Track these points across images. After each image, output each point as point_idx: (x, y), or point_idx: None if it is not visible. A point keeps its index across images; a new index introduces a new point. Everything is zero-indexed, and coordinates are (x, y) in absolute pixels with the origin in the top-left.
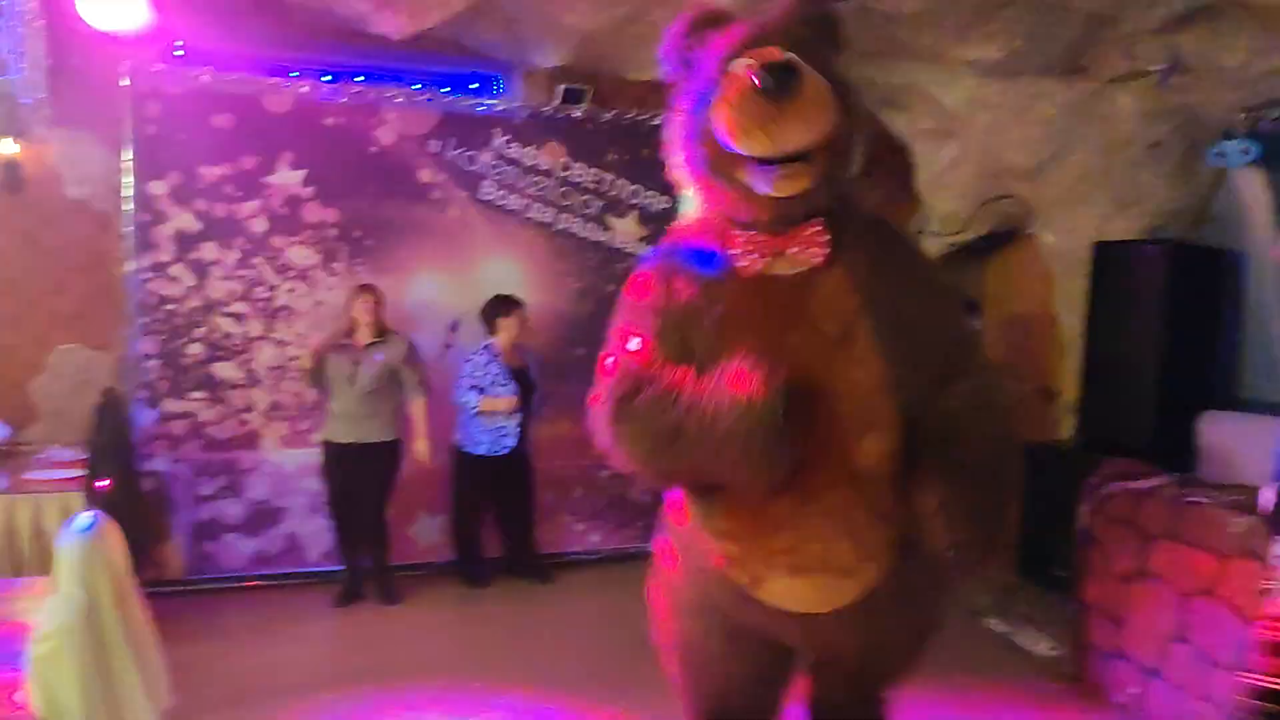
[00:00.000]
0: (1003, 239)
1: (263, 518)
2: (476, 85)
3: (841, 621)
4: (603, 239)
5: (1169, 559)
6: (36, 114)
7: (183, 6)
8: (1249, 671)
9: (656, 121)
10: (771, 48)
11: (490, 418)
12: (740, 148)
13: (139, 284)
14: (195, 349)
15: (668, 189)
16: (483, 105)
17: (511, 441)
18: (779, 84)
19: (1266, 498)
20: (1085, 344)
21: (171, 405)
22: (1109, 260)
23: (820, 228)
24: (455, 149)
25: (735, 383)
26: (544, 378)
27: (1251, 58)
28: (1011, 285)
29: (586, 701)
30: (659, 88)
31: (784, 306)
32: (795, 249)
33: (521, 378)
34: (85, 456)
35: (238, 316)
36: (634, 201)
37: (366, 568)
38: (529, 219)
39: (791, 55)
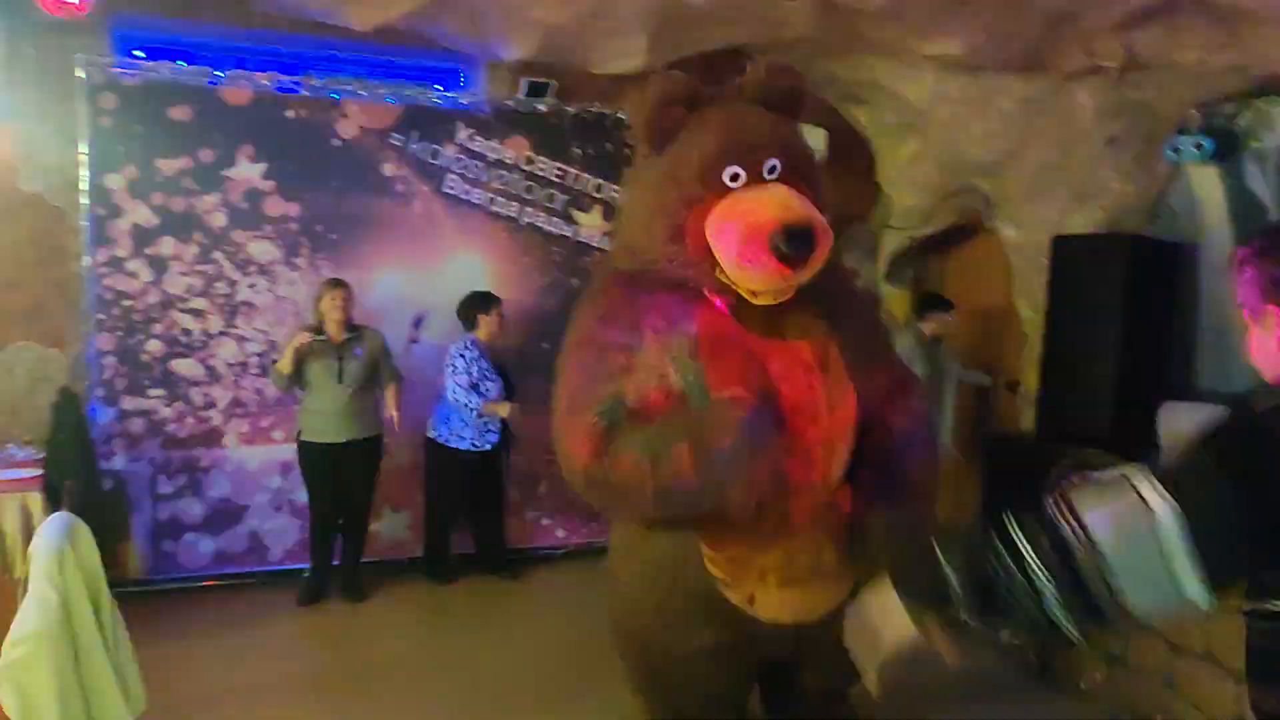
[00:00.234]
0: (963, 233)
1: (224, 516)
2: (440, 79)
3: (827, 626)
4: (568, 233)
5: None
6: None
7: None
8: None
9: (621, 115)
10: (772, 160)
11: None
12: (737, 278)
13: (95, 279)
14: (154, 345)
15: None
16: (446, 99)
17: (495, 437)
18: (797, 254)
19: None
20: (1045, 336)
21: (130, 403)
22: (1068, 254)
23: None
24: (418, 143)
25: (731, 411)
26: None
27: (1206, 55)
28: (972, 279)
29: (557, 697)
30: (624, 82)
31: (763, 331)
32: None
33: (503, 373)
34: (43, 456)
35: (197, 312)
36: (599, 195)
37: (333, 566)
38: (493, 213)
39: (811, 220)
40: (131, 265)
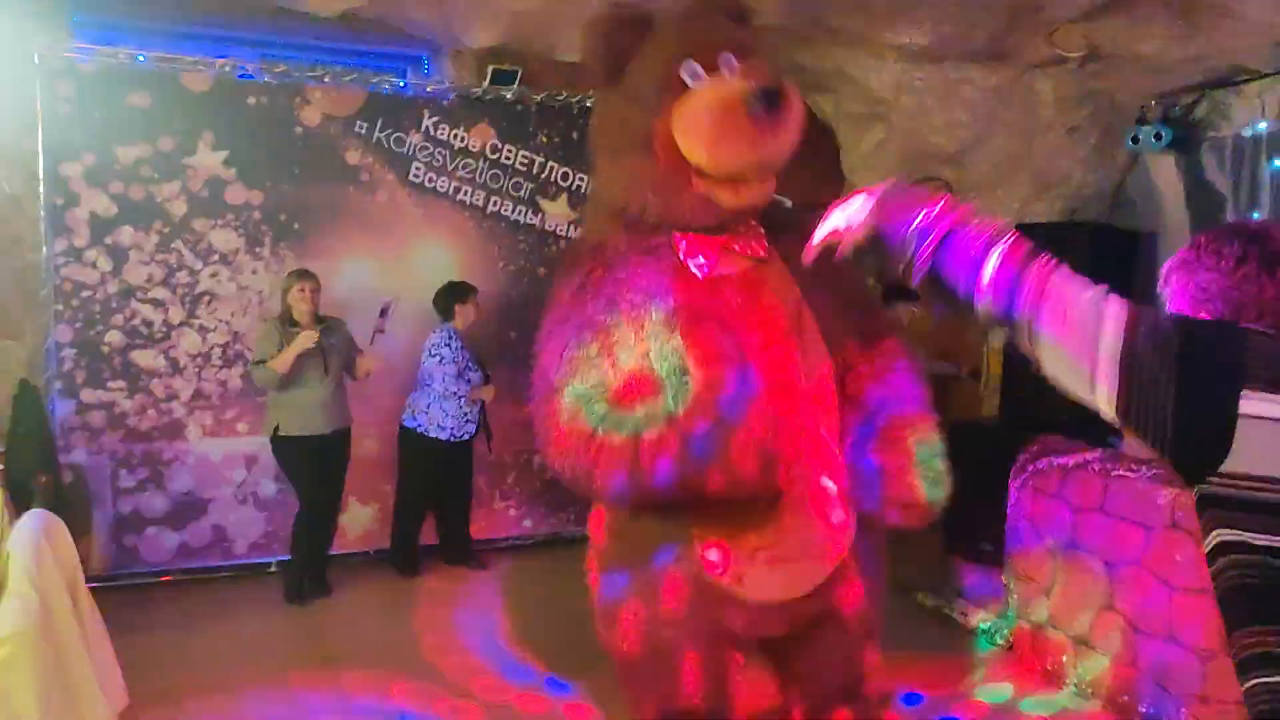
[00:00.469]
0: None
1: (188, 510)
2: (404, 66)
3: (812, 601)
4: (534, 221)
5: (1097, 531)
6: None
7: None
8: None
9: (588, 103)
10: (727, 54)
11: (457, 400)
12: (715, 161)
13: (53, 270)
14: (114, 337)
15: None
16: (411, 86)
17: (473, 426)
18: (770, 105)
19: None
20: None
21: (90, 395)
22: (1030, 241)
23: (756, 223)
24: (383, 131)
25: (711, 392)
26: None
27: (1166, 45)
28: None
29: (526, 688)
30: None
31: (739, 303)
32: (738, 246)
33: (479, 362)
34: (1, 450)
35: (158, 303)
36: (565, 183)
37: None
38: (459, 202)
39: (779, 79)
40: (90, 255)
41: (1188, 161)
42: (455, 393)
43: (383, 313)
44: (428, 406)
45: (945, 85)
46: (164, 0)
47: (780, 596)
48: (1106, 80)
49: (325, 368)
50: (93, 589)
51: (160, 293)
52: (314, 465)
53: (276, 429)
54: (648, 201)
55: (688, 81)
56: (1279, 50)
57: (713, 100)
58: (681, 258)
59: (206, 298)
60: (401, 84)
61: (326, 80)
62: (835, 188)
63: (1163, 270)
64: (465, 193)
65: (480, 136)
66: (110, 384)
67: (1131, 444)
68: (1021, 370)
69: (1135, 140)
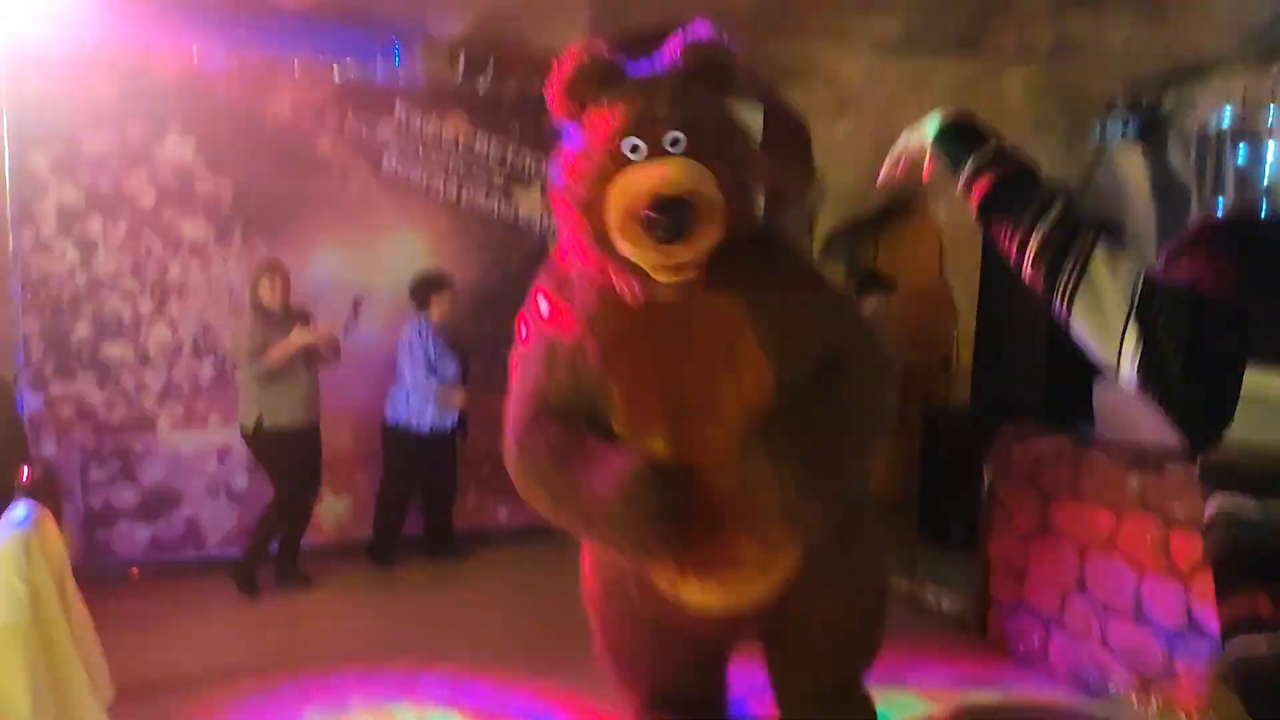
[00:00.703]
0: (897, 212)
1: (159, 502)
2: (375, 54)
3: (765, 616)
4: (508, 211)
5: (1069, 515)
6: None
7: None
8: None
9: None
10: (673, 134)
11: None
12: (625, 251)
13: (20, 261)
14: (82, 329)
15: None
16: (383, 75)
17: (455, 416)
18: (671, 227)
19: None
20: (978, 313)
21: (59, 388)
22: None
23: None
24: (354, 120)
25: (616, 471)
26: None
27: (1132, 39)
28: (905, 257)
29: (507, 678)
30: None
31: (668, 330)
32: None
33: (458, 351)
34: None
35: (127, 294)
36: (539, 172)
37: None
38: (432, 192)
39: (693, 191)
40: (58, 246)
41: (1154, 152)
42: (423, 386)
43: (355, 305)
44: (406, 399)
45: (915, 77)
46: None
47: (718, 606)
48: (1074, 72)
49: (311, 359)
50: None
51: (129, 284)
52: (296, 457)
53: (259, 421)
54: (592, 247)
55: (629, 155)
56: (1244, 43)
57: (622, 199)
58: (614, 285)
59: (176, 289)
60: (373, 74)
61: (297, 70)
62: (806, 180)
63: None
64: (438, 182)
65: (453, 126)
66: (80, 376)
67: (1102, 428)
68: (990, 358)
69: (1102, 131)
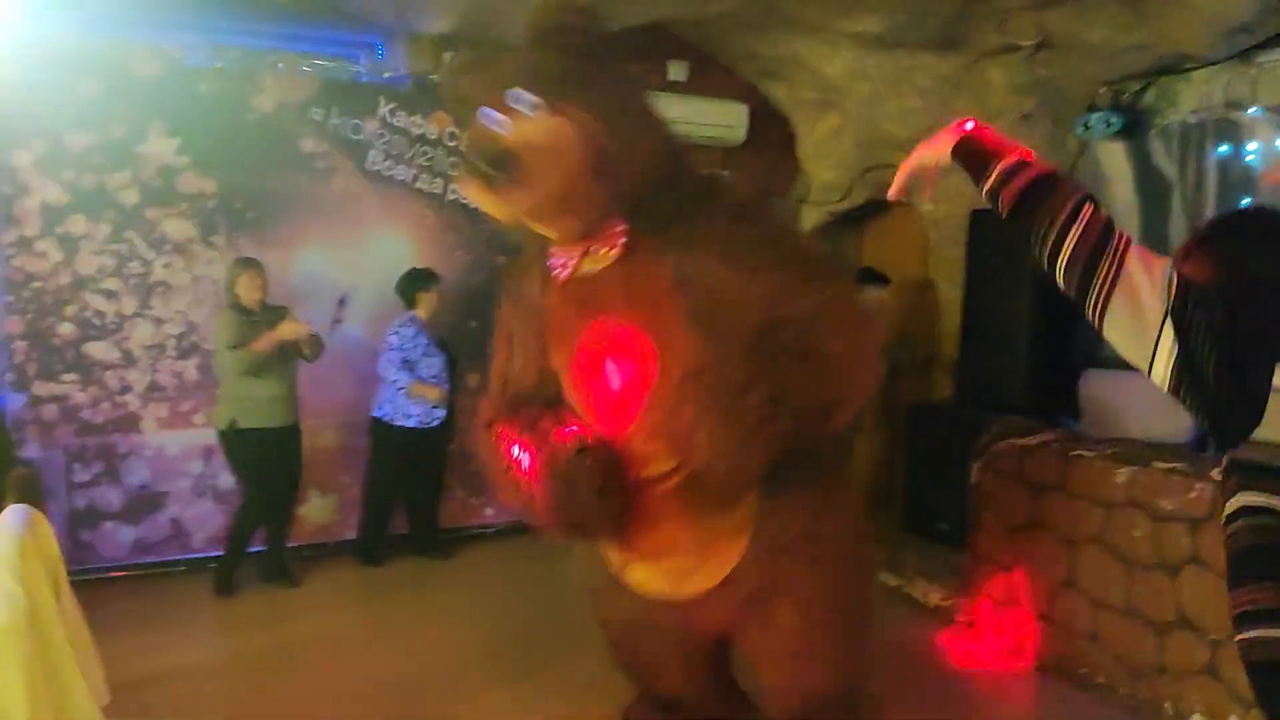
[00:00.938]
0: (881, 207)
1: (144, 504)
2: (358, 51)
3: (715, 608)
4: None
5: (1056, 510)
6: None
7: None
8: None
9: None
10: (514, 91)
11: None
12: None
13: (3, 260)
14: (66, 328)
15: None
16: (367, 73)
17: (442, 413)
18: (491, 170)
19: None
20: (962, 308)
21: (42, 388)
22: (984, 228)
23: (622, 226)
24: (339, 117)
25: (548, 451)
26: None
27: (1114, 34)
28: (889, 253)
29: (494, 677)
30: None
31: (590, 302)
32: (598, 247)
33: (446, 349)
34: None
35: (110, 293)
36: None
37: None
38: (417, 189)
39: (507, 142)
40: (41, 245)
41: (1136, 148)
42: (394, 381)
43: (341, 303)
44: (393, 396)
45: (898, 73)
46: None
47: (668, 592)
48: (1057, 68)
49: (285, 357)
50: None
51: (113, 283)
52: (268, 459)
53: (233, 422)
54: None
55: (488, 125)
56: (1226, 38)
57: (464, 150)
58: (550, 264)
59: (160, 288)
60: (357, 71)
61: (280, 66)
62: (789, 176)
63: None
64: (423, 180)
65: (438, 123)
66: (63, 376)
67: (1088, 423)
68: (975, 353)
69: (1085, 127)
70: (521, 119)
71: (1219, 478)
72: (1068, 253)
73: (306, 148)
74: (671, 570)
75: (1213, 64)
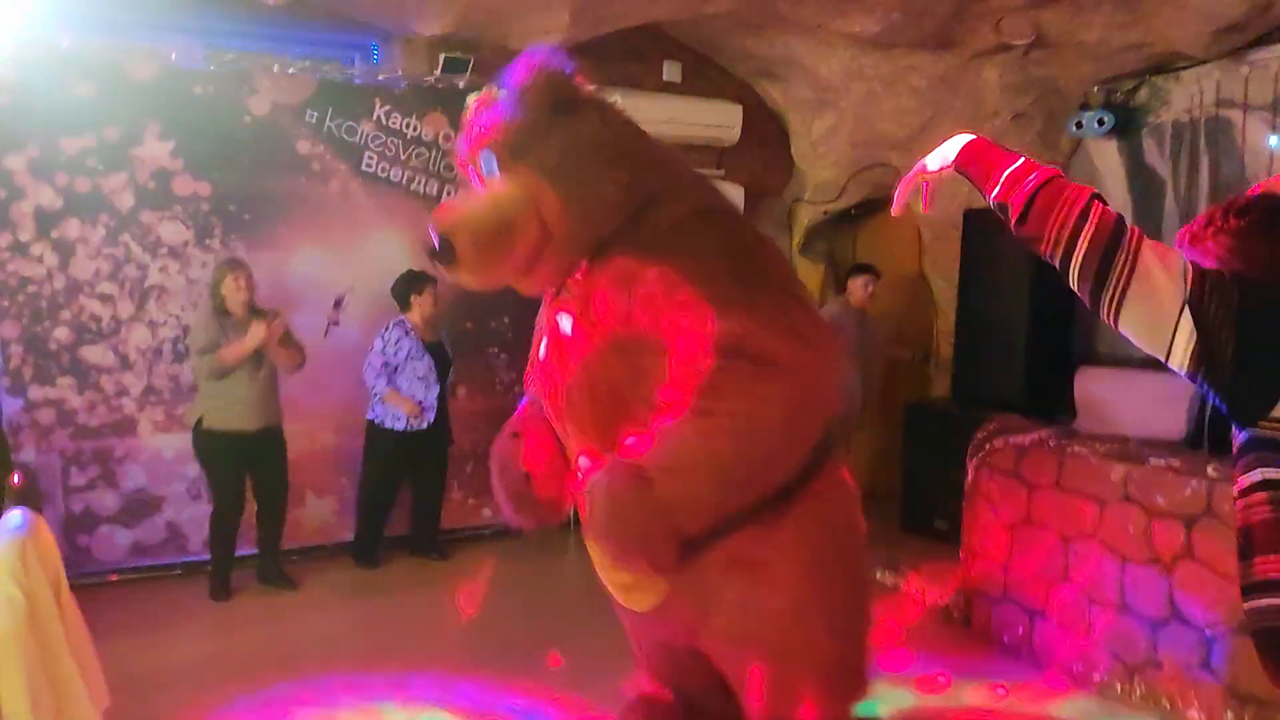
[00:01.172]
0: (876, 206)
1: (141, 507)
2: (353, 54)
3: (667, 623)
4: None
5: (1052, 506)
6: None
7: None
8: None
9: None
10: (486, 154)
11: (410, 390)
12: None
13: None
14: (61, 333)
15: None
16: (362, 75)
17: (431, 414)
18: (438, 257)
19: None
20: (958, 307)
21: (37, 393)
22: (979, 227)
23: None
24: (334, 120)
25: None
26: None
27: (1108, 33)
28: (884, 252)
29: (495, 677)
30: None
31: (549, 319)
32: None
33: (437, 352)
34: None
35: (106, 297)
36: None
37: (251, 556)
38: (413, 191)
39: (446, 222)
40: (35, 249)
41: (1129, 146)
42: (372, 387)
43: (336, 305)
44: (382, 398)
45: (893, 72)
46: None
47: (632, 601)
48: (1050, 67)
49: (257, 361)
50: None
51: (108, 287)
52: (234, 463)
53: (200, 421)
54: None
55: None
56: (1218, 37)
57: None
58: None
59: (156, 291)
60: (352, 73)
61: (275, 69)
62: (783, 175)
63: (1176, 240)
64: (419, 182)
65: (433, 126)
66: (59, 380)
67: (1082, 420)
68: (971, 351)
69: (1078, 126)
70: (486, 187)
71: (1234, 454)
72: (1081, 253)
73: (302, 150)
74: (615, 584)
75: (1204, 63)
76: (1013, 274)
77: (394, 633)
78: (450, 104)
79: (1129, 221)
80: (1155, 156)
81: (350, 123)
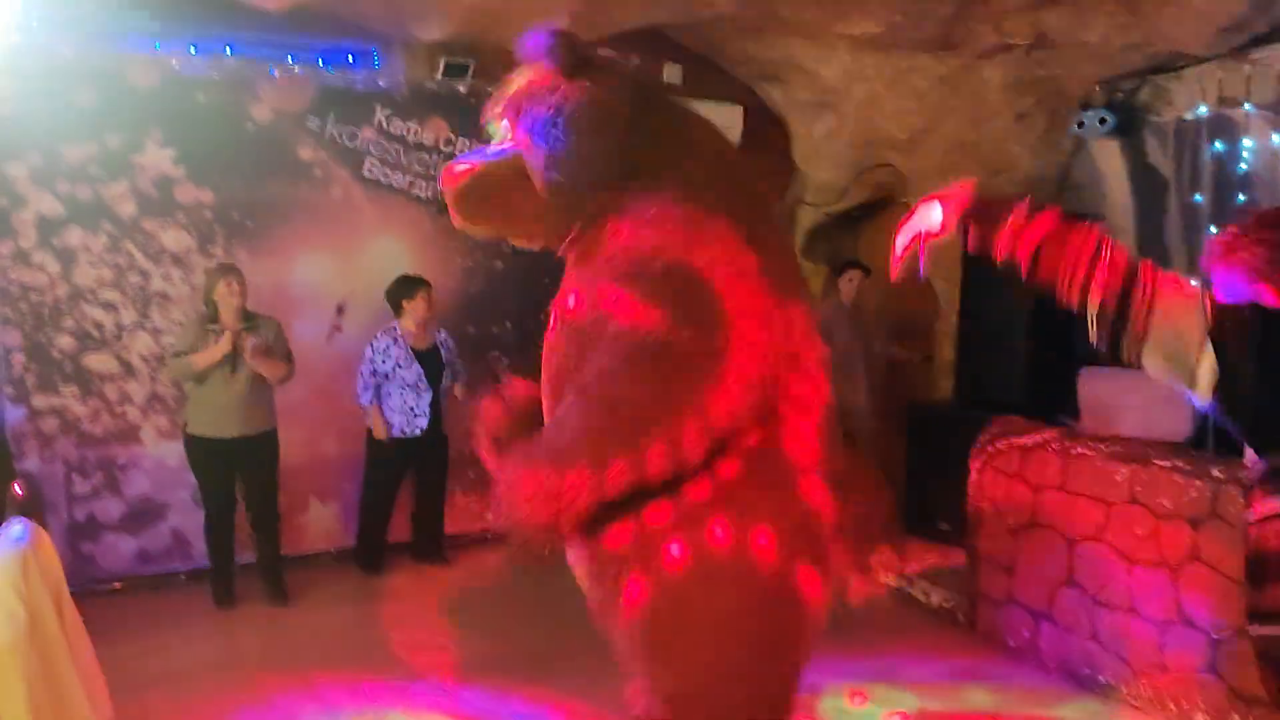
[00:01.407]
0: (878, 207)
1: (145, 514)
2: (354, 59)
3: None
4: None
5: (1056, 508)
6: None
7: None
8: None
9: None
10: (503, 122)
11: (401, 398)
12: None
13: (0, 273)
14: (64, 341)
15: None
16: (363, 80)
17: (423, 421)
18: (447, 209)
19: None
20: (960, 308)
21: (41, 401)
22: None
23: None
24: (335, 126)
25: None
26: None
27: (1109, 33)
28: (886, 252)
29: (499, 683)
30: None
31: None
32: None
33: (429, 358)
34: None
35: (109, 305)
36: None
37: (241, 565)
38: (414, 196)
39: (442, 186)
40: (38, 257)
41: (1131, 145)
42: (359, 399)
43: (339, 310)
44: (380, 406)
45: (895, 74)
46: None
47: None
48: (1052, 67)
49: (233, 368)
50: None
51: (111, 295)
52: (217, 469)
53: (184, 425)
54: None
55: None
56: (1219, 36)
57: None
58: None
59: (158, 299)
60: (354, 78)
61: (276, 75)
62: (785, 178)
63: (1207, 251)
64: (420, 187)
65: (434, 130)
66: (62, 389)
67: (1086, 421)
68: (973, 353)
69: (1080, 125)
70: (472, 157)
71: (1245, 481)
72: (1097, 301)
73: (304, 156)
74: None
75: (1206, 61)
76: (1015, 275)
77: (397, 639)
78: (451, 109)
79: (1132, 222)
80: (1158, 156)
81: (351, 128)
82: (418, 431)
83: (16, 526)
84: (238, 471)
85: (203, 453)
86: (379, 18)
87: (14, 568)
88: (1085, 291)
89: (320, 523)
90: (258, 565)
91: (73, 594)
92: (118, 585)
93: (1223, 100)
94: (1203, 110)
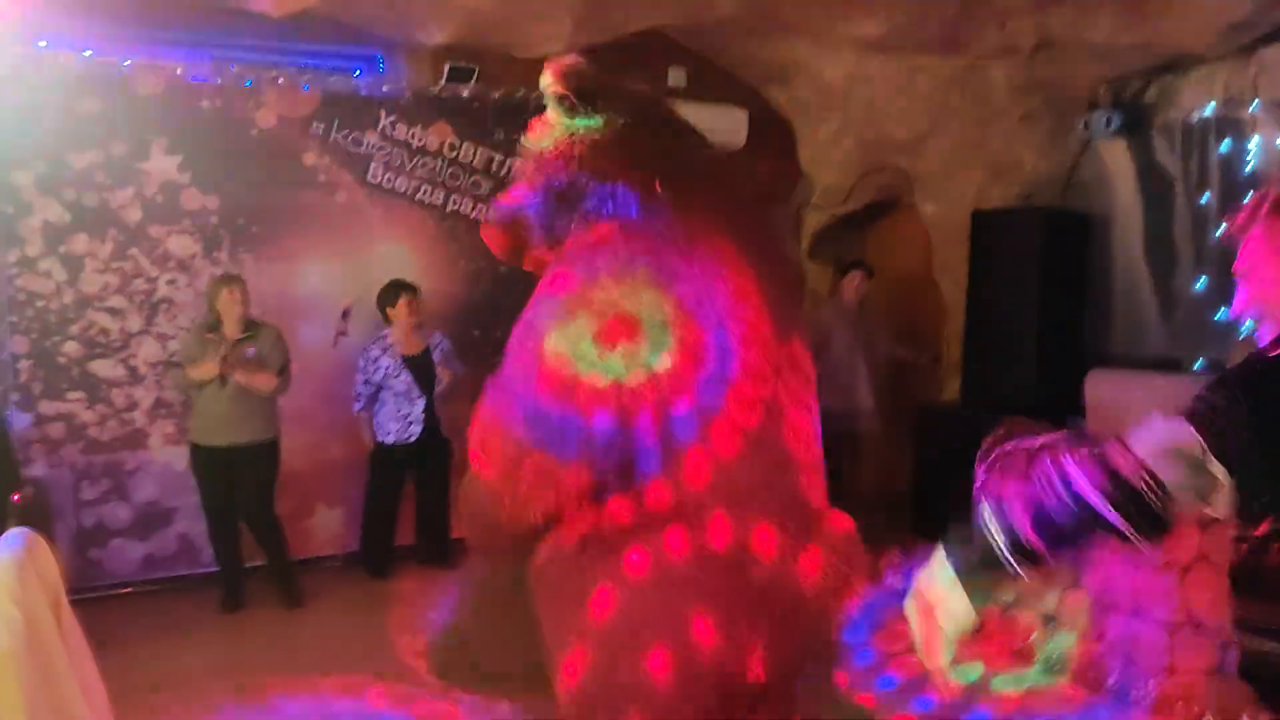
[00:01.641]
0: (884, 209)
1: (152, 520)
2: (359, 65)
3: None
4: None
5: None
6: None
7: None
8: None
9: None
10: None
11: (396, 406)
12: None
13: (6, 280)
14: (71, 347)
15: None
16: (367, 86)
17: (418, 428)
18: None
19: None
20: (967, 309)
21: (48, 407)
22: (986, 227)
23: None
24: (339, 131)
25: None
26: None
27: (1115, 33)
28: (892, 254)
29: (505, 690)
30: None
31: None
32: None
33: (419, 364)
34: None
35: (115, 311)
36: None
37: (248, 570)
38: (418, 201)
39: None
40: (44, 264)
41: (1138, 145)
42: (354, 408)
43: (344, 315)
44: (375, 411)
45: (899, 75)
46: (115, 2)
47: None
48: (1058, 68)
49: (223, 380)
50: None
51: (117, 301)
52: (213, 476)
53: (187, 433)
54: None
55: None
56: (1225, 35)
57: None
58: None
59: (165, 305)
60: (358, 84)
61: (280, 82)
62: (790, 180)
63: (1240, 216)
64: (424, 192)
65: (438, 135)
66: (69, 395)
67: (1093, 422)
68: (980, 354)
69: (1086, 126)
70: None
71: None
72: (1113, 520)
73: (308, 162)
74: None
75: (1213, 60)
76: (1022, 275)
77: (403, 643)
78: (455, 113)
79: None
80: (1165, 155)
81: (356, 134)
82: (412, 438)
83: (14, 535)
84: (235, 478)
85: (201, 460)
86: (383, 24)
87: (10, 575)
88: (1096, 524)
89: (327, 527)
90: (268, 569)
91: (81, 599)
92: (126, 590)
93: (1230, 99)
94: (1210, 109)
